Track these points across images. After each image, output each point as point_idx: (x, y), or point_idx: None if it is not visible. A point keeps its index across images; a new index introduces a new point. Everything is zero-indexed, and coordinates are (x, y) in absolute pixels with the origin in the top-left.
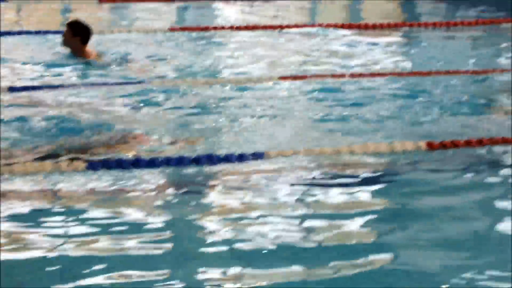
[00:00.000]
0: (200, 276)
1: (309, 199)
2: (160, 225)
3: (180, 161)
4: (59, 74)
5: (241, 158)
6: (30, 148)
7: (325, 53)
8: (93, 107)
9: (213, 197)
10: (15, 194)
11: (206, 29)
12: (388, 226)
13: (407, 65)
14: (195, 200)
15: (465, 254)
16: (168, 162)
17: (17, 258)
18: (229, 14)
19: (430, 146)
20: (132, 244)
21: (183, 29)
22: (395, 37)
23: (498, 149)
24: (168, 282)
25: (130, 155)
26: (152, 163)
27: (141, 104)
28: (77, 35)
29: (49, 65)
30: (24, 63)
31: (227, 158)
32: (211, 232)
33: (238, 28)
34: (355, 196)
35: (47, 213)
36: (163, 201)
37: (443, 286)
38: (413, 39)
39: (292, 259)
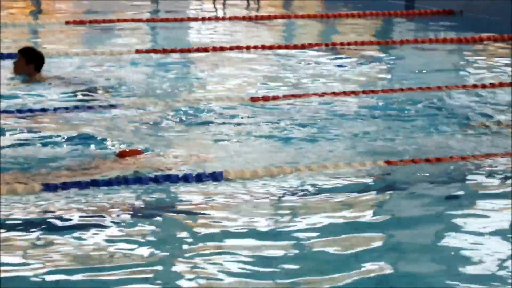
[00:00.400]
0: None
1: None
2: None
3: (138, 181)
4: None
5: (199, 178)
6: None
7: (296, 73)
8: (49, 131)
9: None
10: None
11: (172, 51)
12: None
13: (380, 82)
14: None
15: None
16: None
17: None
18: (200, 34)
19: (389, 163)
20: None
21: (149, 51)
22: (368, 55)
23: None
24: None
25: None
26: (126, 181)
27: (103, 126)
28: (30, 62)
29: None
30: None
31: (185, 178)
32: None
33: (206, 50)
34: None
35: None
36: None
37: None
38: (387, 56)
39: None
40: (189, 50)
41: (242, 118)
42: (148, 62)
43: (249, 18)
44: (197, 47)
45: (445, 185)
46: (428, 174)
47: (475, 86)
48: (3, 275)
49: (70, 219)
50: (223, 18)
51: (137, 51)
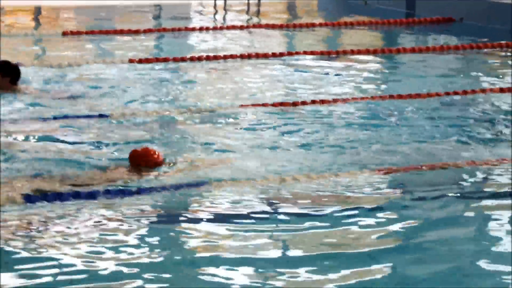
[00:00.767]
0: None
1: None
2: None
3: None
4: None
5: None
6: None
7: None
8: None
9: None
10: None
11: (165, 60)
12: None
13: (377, 90)
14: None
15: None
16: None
17: None
18: (202, 43)
19: (383, 172)
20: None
21: (143, 60)
22: (366, 63)
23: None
24: None
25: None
26: (107, 193)
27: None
28: (6, 75)
29: None
30: None
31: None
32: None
33: (199, 59)
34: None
35: None
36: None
37: None
38: (387, 65)
39: None
40: (183, 59)
41: (233, 125)
42: (140, 72)
43: (247, 27)
44: (191, 55)
45: (447, 191)
46: (428, 181)
47: (473, 91)
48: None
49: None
50: (221, 28)
51: (130, 61)
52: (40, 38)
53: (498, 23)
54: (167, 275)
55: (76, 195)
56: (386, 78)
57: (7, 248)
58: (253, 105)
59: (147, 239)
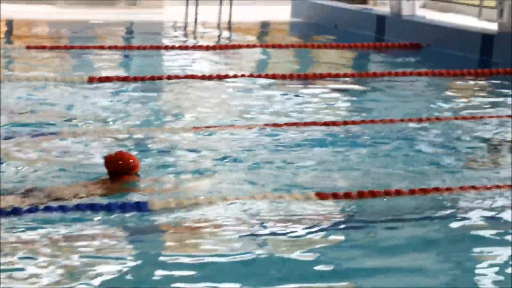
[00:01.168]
0: None
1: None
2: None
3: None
4: None
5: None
6: None
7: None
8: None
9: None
10: None
11: (125, 79)
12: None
13: (346, 114)
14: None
15: None
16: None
17: None
18: (170, 62)
19: (319, 196)
20: None
21: (102, 79)
22: (340, 87)
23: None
24: None
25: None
26: (77, 207)
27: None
28: None
29: None
30: None
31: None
32: None
33: (169, 77)
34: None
35: None
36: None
37: None
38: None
39: None
40: (143, 79)
41: (199, 148)
42: (100, 91)
43: (219, 48)
44: (155, 75)
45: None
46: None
47: (438, 119)
48: None
49: None
50: (187, 47)
51: (90, 79)
52: (3, 51)
53: (467, 51)
54: None
55: (47, 209)
56: (352, 102)
57: None
58: (206, 127)
59: (128, 255)
